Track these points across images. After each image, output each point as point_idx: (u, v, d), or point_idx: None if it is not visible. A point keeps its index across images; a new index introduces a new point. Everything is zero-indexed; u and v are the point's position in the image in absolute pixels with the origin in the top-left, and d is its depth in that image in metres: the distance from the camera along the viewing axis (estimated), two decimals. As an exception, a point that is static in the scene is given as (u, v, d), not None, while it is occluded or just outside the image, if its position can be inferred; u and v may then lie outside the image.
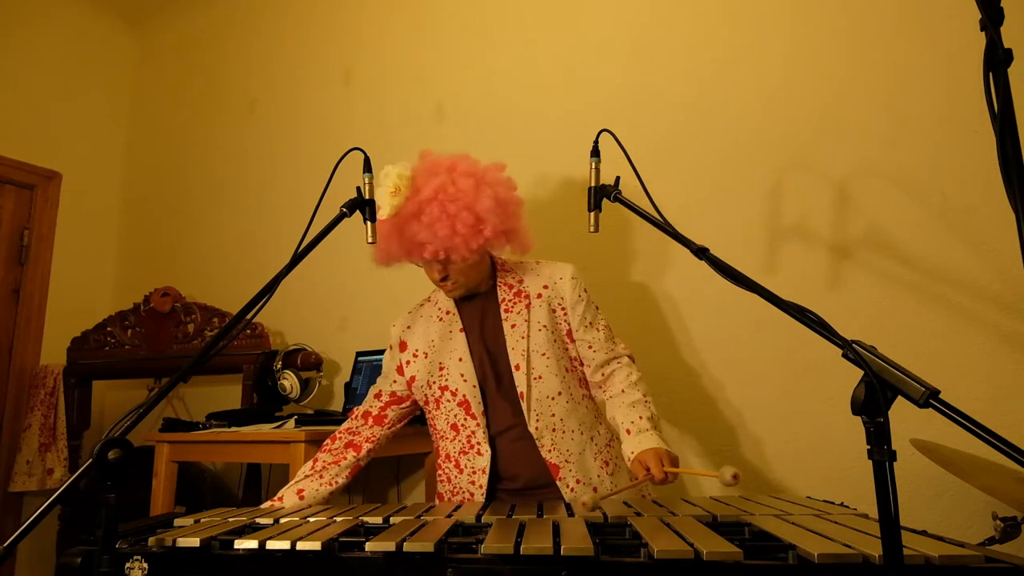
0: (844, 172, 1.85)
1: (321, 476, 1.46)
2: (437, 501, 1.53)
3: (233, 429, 2.15)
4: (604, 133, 1.33)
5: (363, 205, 1.34)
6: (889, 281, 1.76)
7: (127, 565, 0.97)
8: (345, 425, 1.57)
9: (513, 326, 1.47)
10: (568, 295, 1.50)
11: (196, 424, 2.30)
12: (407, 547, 0.90)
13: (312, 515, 1.17)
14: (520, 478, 1.44)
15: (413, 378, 1.54)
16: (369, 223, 1.34)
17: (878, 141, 1.82)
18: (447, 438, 1.49)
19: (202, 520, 1.17)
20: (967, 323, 1.66)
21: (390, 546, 0.90)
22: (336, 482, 1.46)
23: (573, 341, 1.50)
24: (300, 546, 0.94)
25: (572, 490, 1.41)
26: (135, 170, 3.55)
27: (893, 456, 0.72)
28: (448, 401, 1.48)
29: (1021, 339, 1.61)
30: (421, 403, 1.56)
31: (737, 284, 1.02)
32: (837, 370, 1.64)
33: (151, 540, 1.01)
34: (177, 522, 1.17)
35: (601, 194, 1.32)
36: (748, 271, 1.05)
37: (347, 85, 2.87)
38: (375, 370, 2.41)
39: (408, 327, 1.59)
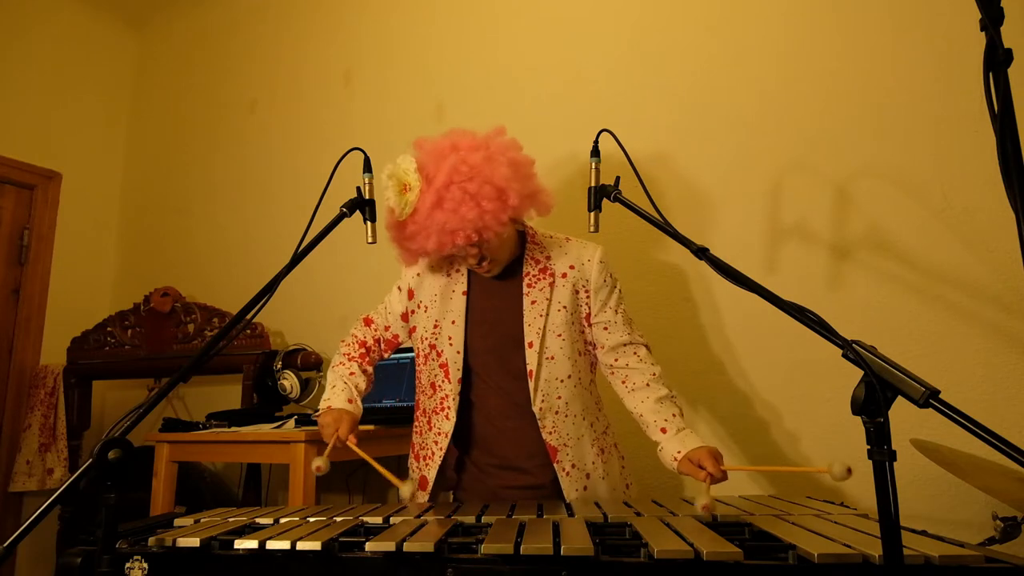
0: (844, 172, 1.85)
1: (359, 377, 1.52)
2: (410, 452, 1.56)
3: (233, 429, 2.15)
4: (604, 133, 1.33)
5: (363, 205, 1.34)
6: (889, 281, 1.76)
7: (127, 565, 0.97)
8: (355, 348, 1.60)
9: (533, 302, 1.44)
10: (594, 278, 1.47)
11: (196, 424, 2.30)
12: (407, 547, 0.90)
13: (312, 515, 1.17)
14: (506, 456, 1.44)
15: (415, 328, 1.55)
16: (369, 223, 1.34)
17: (878, 141, 1.81)
18: (426, 394, 1.51)
19: (202, 520, 1.17)
20: (967, 323, 1.66)
21: (390, 546, 0.90)
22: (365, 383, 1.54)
23: (590, 325, 1.48)
24: (300, 546, 0.94)
25: (568, 474, 1.40)
26: (135, 170, 3.55)
27: (893, 456, 0.72)
28: (433, 360, 1.49)
29: (1021, 339, 1.61)
30: (415, 353, 1.57)
31: (737, 284, 1.02)
32: (837, 370, 1.65)
33: (151, 540, 1.01)
34: (177, 522, 1.17)
35: (601, 194, 1.32)
36: (748, 271, 1.05)
37: (347, 85, 2.87)
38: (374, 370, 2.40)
39: (418, 275, 1.56)
